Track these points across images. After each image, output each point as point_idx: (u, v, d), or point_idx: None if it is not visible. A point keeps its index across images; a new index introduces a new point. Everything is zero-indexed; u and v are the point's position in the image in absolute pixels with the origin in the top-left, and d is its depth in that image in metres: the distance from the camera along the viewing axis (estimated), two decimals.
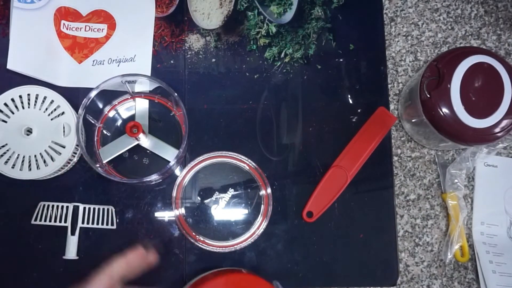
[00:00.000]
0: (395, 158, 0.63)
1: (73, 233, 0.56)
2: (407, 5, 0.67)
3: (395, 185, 0.62)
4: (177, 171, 0.59)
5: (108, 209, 0.58)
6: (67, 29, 0.61)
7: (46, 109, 0.55)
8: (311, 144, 0.61)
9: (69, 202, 0.57)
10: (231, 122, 0.61)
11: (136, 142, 0.58)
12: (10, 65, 0.59)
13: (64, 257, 0.56)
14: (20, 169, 0.54)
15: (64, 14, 0.61)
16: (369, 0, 0.65)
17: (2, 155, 0.54)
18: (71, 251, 0.56)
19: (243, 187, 0.59)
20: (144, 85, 0.59)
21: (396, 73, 0.65)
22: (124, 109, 0.60)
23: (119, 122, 0.60)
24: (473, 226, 0.63)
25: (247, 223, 0.58)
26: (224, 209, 0.58)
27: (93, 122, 0.58)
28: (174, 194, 0.58)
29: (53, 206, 0.57)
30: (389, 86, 0.64)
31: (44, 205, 0.57)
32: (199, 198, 0.59)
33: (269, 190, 0.58)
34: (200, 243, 0.57)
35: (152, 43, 0.62)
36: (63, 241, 0.56)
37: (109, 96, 0.59)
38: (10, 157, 0.54)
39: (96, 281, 0.42)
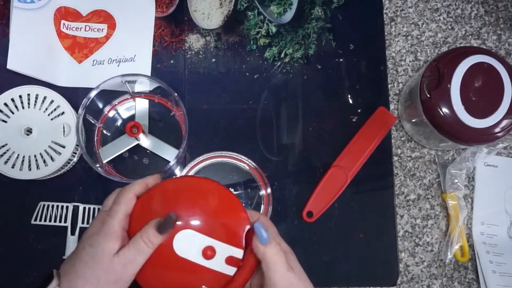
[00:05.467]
0: (395, 158, 0.63)
1: (73, 233, 0.56)
2: (407, 5, 0.67)
3: (395, 185, 0.62)
4: (177, 171, 0.59)
5: None
6: (67, 29, 0.61)
7: (46, 109, 0.55)
8: (311, 144, 0.61)
9: (69, 202, 0.57)
10: (231, 122, 0.61)
11: (136, 142, 0.58)
12: (10, 65, 0.59)
13: (64, 257, 0.56)
14: (20, 169, 0.54)
15: (64, 14, 0.61)
16: (369, 0, 0.65)
17: (2, 155, 0.54)
18: (71, 251, 0.56)
19: (243, 187, 0.59)
20: (144, 85, 0.59)
21: (396, 73, 0.65)
22: (124, 109, 0.60)
23: (119, 122, 0.60)
24: (473, 226, 0.63)
25: None
26: None
27: (93, 122, 0.58)
28: None
29: (53, 206, 0.57)
30: (389, 86, 0.64)
31: (44, 205, 0.57)
32: None
33: (269, 190, 0.58)
34: None
35: (152, 43, 0.62)
36: (63, 241, 0.56)
37: (109, 96, 0.59)
38: (10, 157, 0.54)
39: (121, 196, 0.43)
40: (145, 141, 0.58)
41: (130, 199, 0.45)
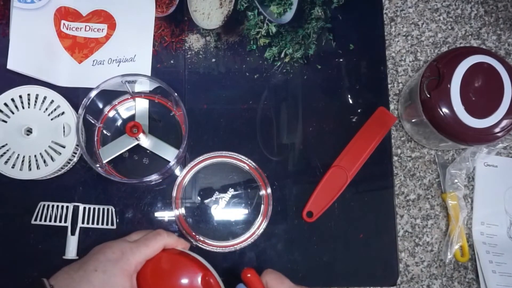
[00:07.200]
0: (395, 158, 0.63)
1: (73, 233, 0.56)
2: (407, 5, 0.67)
3: (395, 185, 0.62)
4: (177, 171, 0.59)
5: (108, 209, 0.58)
6: (67, 29, 0.61)
7: (46, 109, 0.55)
8: (311, 144, 0.61)
9: (69, 202, 0.57)
10: (231, 122, 0.61)
11: (136, 142, 0.58)
12: (10, 65, 0.59)
13: (64, 257, 0.56)
14: (20, 169, 0.54)
15: (64, 14, 0.61)
16: (369, 0, 0.65)
17: (2, 155, 0.54)
18: (71, 251, 0.56)
19: (243, 187, 0.59)
20: (144, 85, 0.59)
21: (396, 73, 0.65)
22: (124, 109, 0.60)
23: (119, 122, 0.60)
24: (473, 226, 0.63)
25: (247, 223, 0.58)
26: (224, 209, 0.58)
27: (93, 122, 0.58)
28: (174, 194, 0.58)
29: (53, 206, 0.57)
30: (389, 86, 0.64)
31: (44, 205, 0.57)
32: (199, 198, 0.59)
33: (269, 190, 0.58)
34: (200, 243, 0.57)
35: (152, 43, 0.62)
36: (63, 241, 0.56)
37: (109, 96, 0.59)
38: (10, 157, 0.54)
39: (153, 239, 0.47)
40: (145, 141, 0.58)
41: (158, 248, 0.45)
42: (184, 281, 0.47)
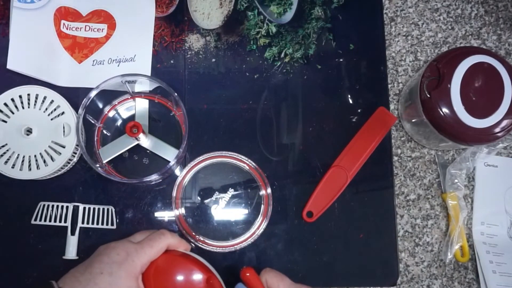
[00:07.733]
0: (395, 158, 0.63)
1: (73, 233, 0.56)
2: (407, 5, 0.67)
3: (395, 185, 0.62)
4: (177, 171, 0.59)
5: (108, 209, 0.58)
6: (67, 29, 0.61)
7: (46, 109, 0.55)
8: (311, 144, 0.61)
9: (69, 202, 0.57)
10: (231, 122, 0.61)
11: (136, 142, 0.58)
12: (10, 65, 0.59)
13: (64, 257, 0.56)
14: (20, 169, 0.54)
15: (64, 14, 0.61)
16: (369, 0, 0.65)
17: (2, 155, 0.54)
18: (71, 251, 0.56)
19: (243, 187, 0.59)
20: (144, 85, 0.59)
21: (396, 73, 0.65)
22: (124, 109, 0.60)
23: (119, 122, 0.60)
24: (473, 226, 0.63)
25: (247, 223, 0.58)
26: (224, 209, 0.58)
27: (93, 122, 0.58)
28: (174, 194, 0.58)
29: (53, 206, 0.57)
30: (389, 86, 0.64)
31: (44, 205, 0.57)
32: (199, 198, 0.59)
33: (269, 190, 0.58)
34: (200, 243, 0.57)
35: (152, 43, 0.62)
36: (63, 241, 0.56)
37: (109, 96, 0.59)
38: (10, 157, 0.54)
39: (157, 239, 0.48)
40: (145, 141, 0.58)
41: (162, 248, 0.46)
42: (188, 283, 0.47)
